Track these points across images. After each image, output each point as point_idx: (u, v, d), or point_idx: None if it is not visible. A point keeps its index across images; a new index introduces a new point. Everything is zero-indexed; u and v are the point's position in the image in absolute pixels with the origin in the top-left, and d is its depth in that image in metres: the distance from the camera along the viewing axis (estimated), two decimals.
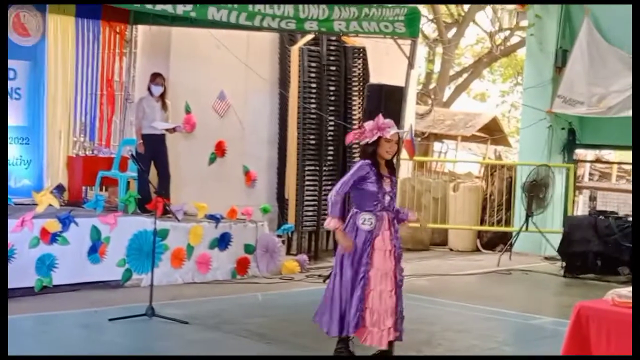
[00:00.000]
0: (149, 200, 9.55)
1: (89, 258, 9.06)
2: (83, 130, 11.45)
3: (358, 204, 6.08)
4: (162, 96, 10.33)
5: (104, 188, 11.17)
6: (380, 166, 6.09)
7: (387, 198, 6.07)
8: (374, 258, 5.99)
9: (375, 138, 6.01)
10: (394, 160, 6.32)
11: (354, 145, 12.55)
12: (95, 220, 9.17)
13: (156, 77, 10.30)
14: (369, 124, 6.10)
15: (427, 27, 23.34)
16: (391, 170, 6.21)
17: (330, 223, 5.99)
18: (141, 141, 10.17)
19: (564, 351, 4.72)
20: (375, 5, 9.55)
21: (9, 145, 10.02)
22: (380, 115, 6.15)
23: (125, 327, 7.20)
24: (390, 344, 6.06)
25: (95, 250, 9.10)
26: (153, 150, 10.24)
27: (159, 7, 8.20)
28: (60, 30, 10.95)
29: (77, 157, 11.00)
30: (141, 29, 11.66)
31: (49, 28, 10.77)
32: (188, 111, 11.46)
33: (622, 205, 13.65)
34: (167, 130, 10.32)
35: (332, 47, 12.46)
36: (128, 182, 10.53)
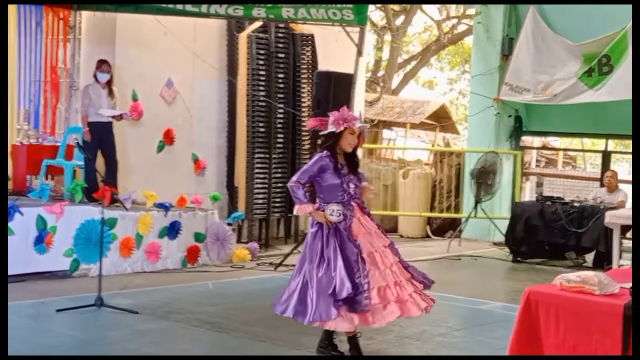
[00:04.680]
0: (96, 188, 9.42)
1: (35, 248, 8.92)
2: (27, 118, 11.24)
3: (325, 197, 5.95)
4: (109, 83, 10.18)
5: (49, 177, 10.98)
6: (339, 158, 5.98)
7: (352, 186, 5.96)
8: (364, 243, 5.89)
9: (341, 129, 5.90)
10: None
11: (304, 133, 12.55)
12: (40, 210, 9.01)
13: (102, 64, 10.15)
14: (334, 114, 5.98)
15: (375, 15, 23.37)
16: (351, 163, 6.02)
17: (304, 209, 5.89)
18: (87, 129, 10.03)
19: (513, 336, 4.77)
20: None
21: None
22: (345, 107, 6.09)
23: (74, 318, 7.09)
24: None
25: (42, 240, 8.96)
26: (100, 138, 10.10)
27: None
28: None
29: (21, 145, 10.78)
30: (85, 15, 11.44)
31: None
32: (135, 99, 11.30)
33: (568, 191, 13.87)
34: (113, 117, 10.17)
35: (280, 35, 12.40)
36: (74, 171, 10.37)
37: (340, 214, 5.87)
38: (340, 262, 5.74)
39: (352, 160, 6.05)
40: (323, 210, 5.90)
